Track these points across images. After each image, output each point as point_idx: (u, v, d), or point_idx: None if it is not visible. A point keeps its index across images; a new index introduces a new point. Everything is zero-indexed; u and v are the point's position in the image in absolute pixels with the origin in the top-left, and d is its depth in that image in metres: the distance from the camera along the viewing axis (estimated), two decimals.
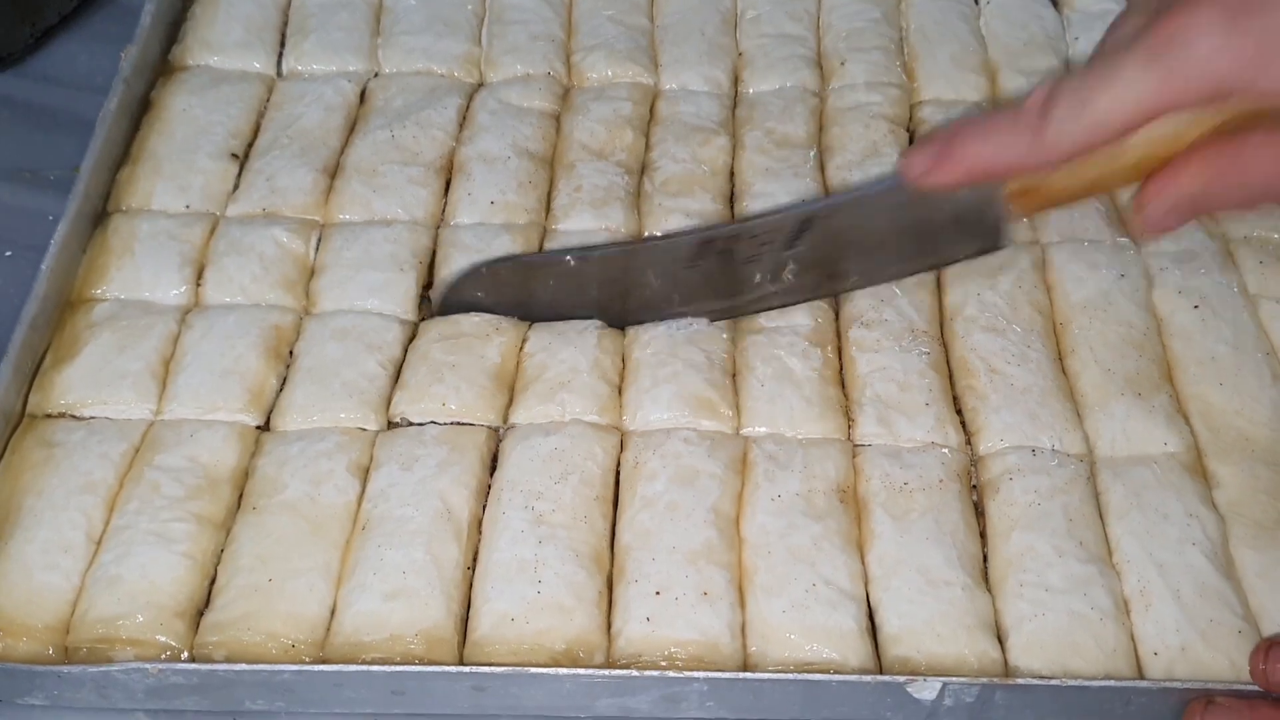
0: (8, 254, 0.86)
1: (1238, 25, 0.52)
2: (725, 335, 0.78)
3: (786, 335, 0.77)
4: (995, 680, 0.62)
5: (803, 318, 0.78)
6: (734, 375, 0.76)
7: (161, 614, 0.65)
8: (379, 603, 0.65)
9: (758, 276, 0.76)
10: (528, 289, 0.79)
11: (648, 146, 0.89)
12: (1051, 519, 0.69)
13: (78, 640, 0.64)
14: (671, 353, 0.76)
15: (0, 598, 0.65)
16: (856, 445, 0.74)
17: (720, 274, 0.77)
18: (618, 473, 0.72)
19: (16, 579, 0.66)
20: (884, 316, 0.78)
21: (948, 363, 0.77)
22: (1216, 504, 0.71)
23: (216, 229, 0.82)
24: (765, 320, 0.79)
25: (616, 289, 0.78)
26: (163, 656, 0.64)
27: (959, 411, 0.76)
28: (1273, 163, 0.55)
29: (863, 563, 0.69)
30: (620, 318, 0.78)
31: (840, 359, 0.78)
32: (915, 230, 0.73)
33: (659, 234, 0.83)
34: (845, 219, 0.75)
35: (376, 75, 0.93)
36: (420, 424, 0.74)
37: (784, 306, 0.78)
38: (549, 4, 0.97)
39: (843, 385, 0.76)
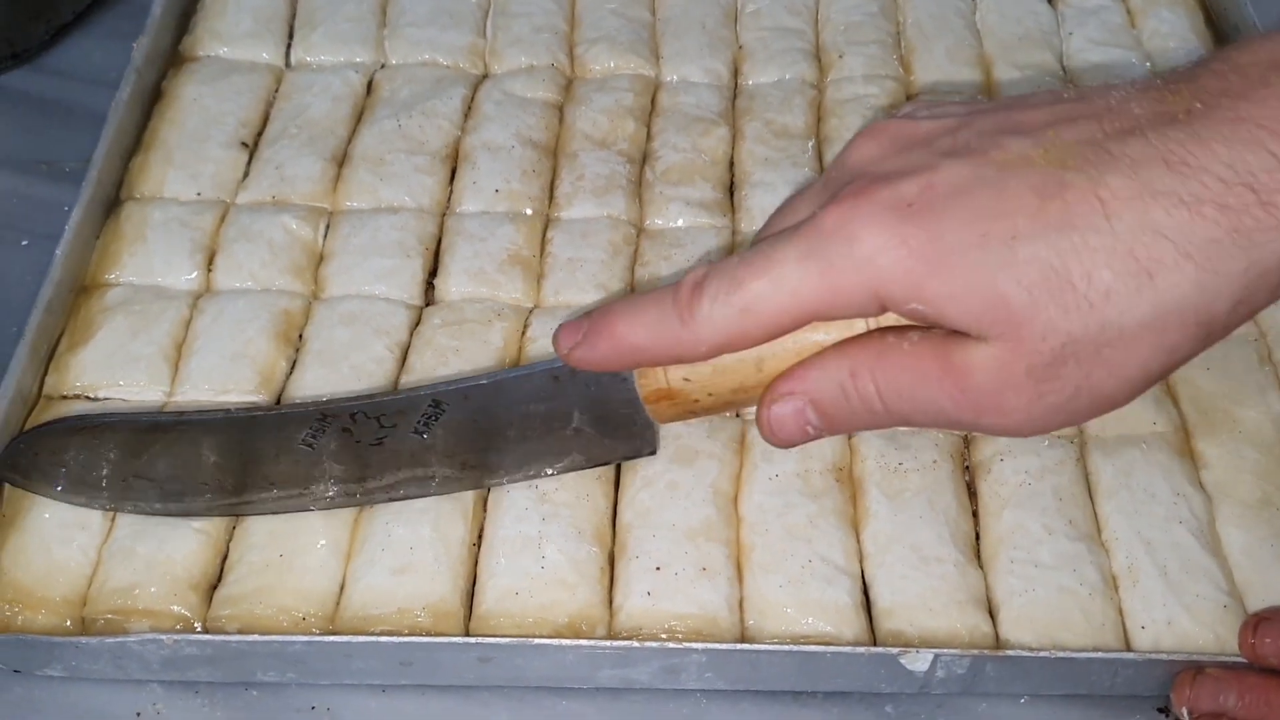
0: (24, 243, 0.87)
1: (904, 228, 0.47)
2: None
3: None
4: (986, 652, 0.64)
5: None
6: None
7: (176, 585, 0.66)
8: (387, 577, 0.67)
9: (390, 461, 0.68)
10: (125, 458, 0.69)
11: (649, 136, 0.91)
12: (1041, 498, 0.71)
13: (94, 611, 0.66)
14: None
15: (18, 571, 0.67)
16: None
17: (347, 454, 0.68)
18: None
19: (34, 553, 0.67)
20: None
21: None
22: (1204, 484, 0.73)
23: (227, 216, 0.84)
24: None
25: (235, 461, 0.68)
26: (177, 627, 0.65)
27: None
28: (917, 371, 0.49)
29: (858, 540, 0.70)
30: (244, 499, 0.68)
31: None
32: (562, 424, 0.66)
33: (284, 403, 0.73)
34: (484, 402, 0.67)
35: (383, 66, 0.95)
36: None
37: (421, 496, 0.69)
38: None
39: None
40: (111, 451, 0.69)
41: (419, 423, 0.67)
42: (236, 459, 0.69)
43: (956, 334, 0.49)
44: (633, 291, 0.81)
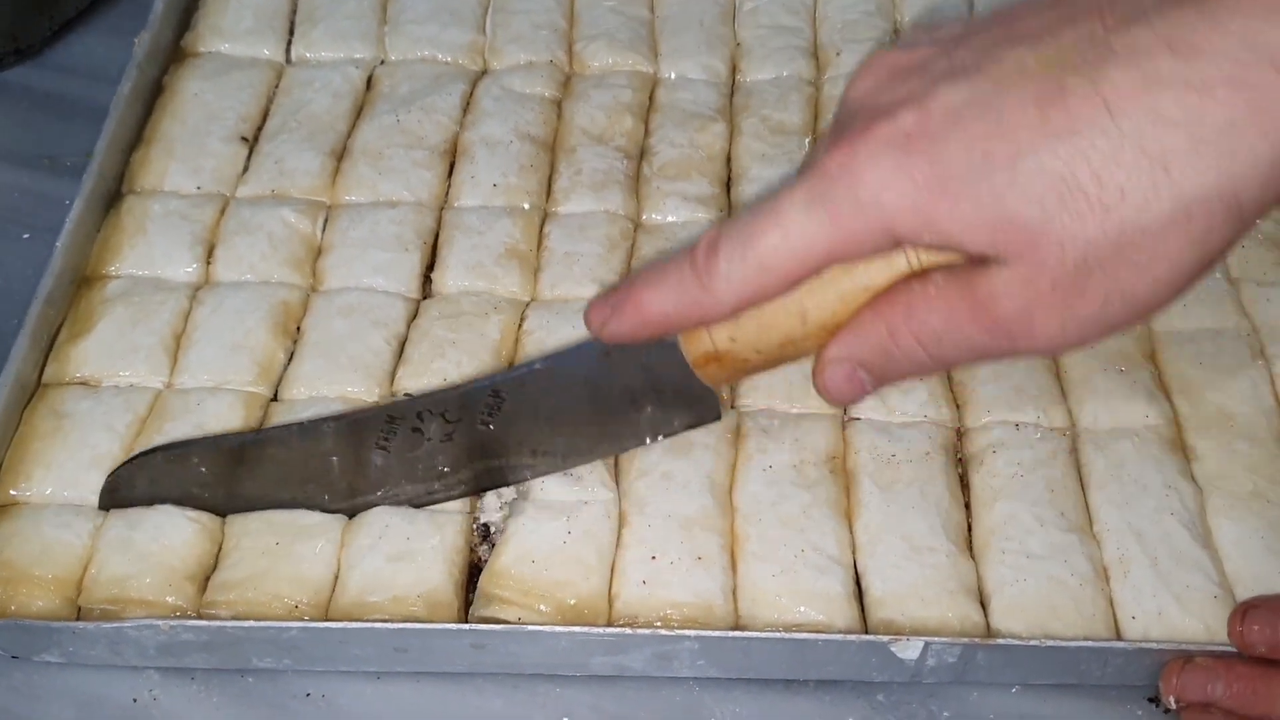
0: (25, 236, 0.88)
1: (906, 161, 0.45)
2: None
3: None
4: (976, 641, 0.64)
5: None
6: None
7: (172, 576, 0.67)
8: (383, 563, 0.67)
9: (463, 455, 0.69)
10: (222, 476, 0.70)
11: (647, 132, 0.92)
12: (1033, 489, 0.71)
13: (90, 601, 0.66)
14: None
15: (11, 552, 0.67)
16: (847, 419, 0.76)
17: (408, 454, 0.69)
18: None
19: (29, 534, 0.68)
20: None
21: None
22: (1195, 476, 0.73)
23: (227, 209, 0.85)
24: None
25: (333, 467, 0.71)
26: (173, 617, 0.66)
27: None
28: (947, 313, 0.49)
29: (850, 531, 0.71)
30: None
31: None
32: (620, 400, 0.66)
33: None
34: (542, 386, 0.67)
35: (383, 63, 0.96)
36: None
37: (476, 493, 0.71)
38: None
39: None
40: (206, 474, 0.70)
41: (483, 414, 0.67)
42: (338, 463, 0.70)
43: (978, 264, 0.48)
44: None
